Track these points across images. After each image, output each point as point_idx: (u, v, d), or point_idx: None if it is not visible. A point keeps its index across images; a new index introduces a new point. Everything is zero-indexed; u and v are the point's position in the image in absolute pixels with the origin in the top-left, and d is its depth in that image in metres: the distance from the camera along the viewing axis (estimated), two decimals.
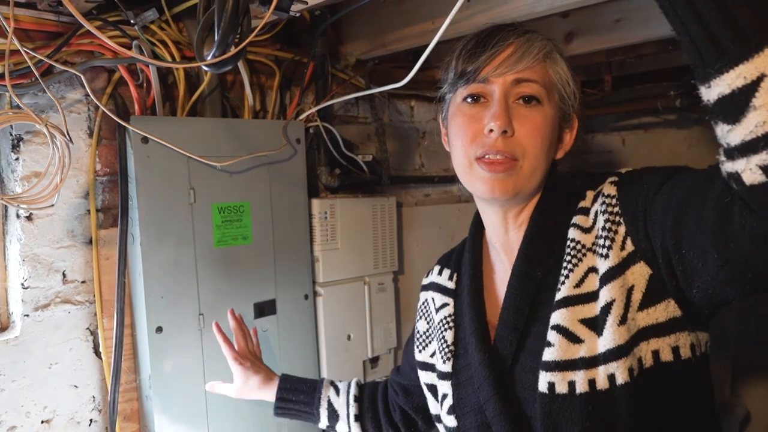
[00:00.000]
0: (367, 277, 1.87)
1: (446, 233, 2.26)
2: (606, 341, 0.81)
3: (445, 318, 1.09)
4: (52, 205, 1.23)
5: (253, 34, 0.74)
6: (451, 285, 1.13)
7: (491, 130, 0.88)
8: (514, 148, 0.89)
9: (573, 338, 0.84)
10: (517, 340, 0.92)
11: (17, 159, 1.31)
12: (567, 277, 0.87)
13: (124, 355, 1.41)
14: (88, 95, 1.36)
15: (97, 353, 1.41)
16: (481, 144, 0.90)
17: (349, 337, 1.82)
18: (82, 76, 1.22)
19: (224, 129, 1.52)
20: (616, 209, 0.84)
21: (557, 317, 0.86)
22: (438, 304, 1.13)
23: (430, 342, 1.16)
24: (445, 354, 1.05)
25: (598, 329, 0.82)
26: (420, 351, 1.18)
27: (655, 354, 0.82)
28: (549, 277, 0.92)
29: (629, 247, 0.81)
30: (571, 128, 1.00)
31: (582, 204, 0.92)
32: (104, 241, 1.42)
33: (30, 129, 1.31)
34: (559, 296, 0.87)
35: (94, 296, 1.40)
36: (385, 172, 1.97)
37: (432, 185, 2.23)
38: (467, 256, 1.09)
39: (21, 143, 1.31)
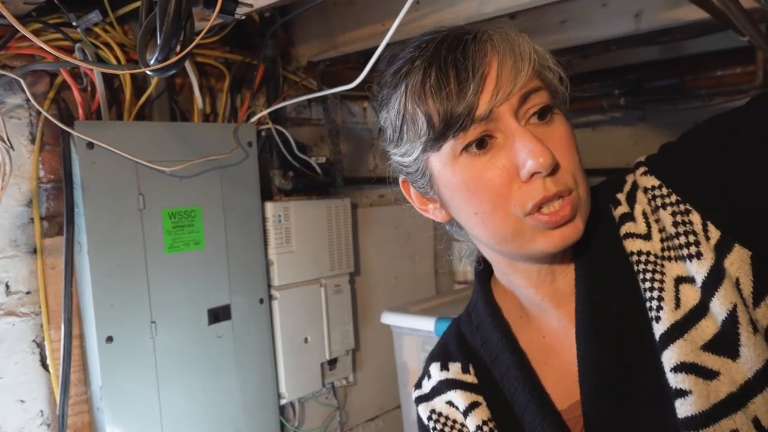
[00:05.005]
0: (323, 279, 1.87)
1: (401, 233, 2.27)
2: (749, 361, 0.62)
3: (485, 423, 0.78)
4: None
5: (198, 38, 0.73)
6: (470, 379, 0.82)
7: (534, 174, 0.65)
8: (566, 180, 0.67)
9: (707, 374, 0.63)
10: (622, 407, 0.68)
11: None
12: (660, 299, 0.67)
13: (73, 367, 1.37)
14: (29, 100, 1.32)
15: (45, 366, 1.37)
16: (526, 196, 0.66)
17: (306, 340, 1.81)
18: (21, 81, 1.18)
19: (173, 133, 1.50)
20: (674, 198, 0.68)
21: (677, 353, 0.64)
22: (464, 405, 0.81)
23: None
24: None
25: (730, 350, 0.63)
26: None
27: None
28: (627, 309, 0.70)
29: (714, 234, 0.65)
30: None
31: (621, 211, 0.73)
32: (49, 250, 1.38)
33: None
34: (663, 327, 0.66)
35: (39, 307, 1.36)
36: (339, 173, 1.97)
37: (387, 186, 2.22)
38: (488, 329, 0.82)
39: None
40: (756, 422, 0.60)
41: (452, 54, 0.67)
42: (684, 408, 0.63)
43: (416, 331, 1.73)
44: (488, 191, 0.68)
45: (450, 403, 0.83)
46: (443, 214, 0.78)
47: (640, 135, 2.37)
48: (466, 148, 0.67)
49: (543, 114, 0.68)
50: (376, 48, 1.22)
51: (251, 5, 1.11)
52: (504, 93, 0.65)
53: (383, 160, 2.24)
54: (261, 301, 1.69)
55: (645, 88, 2.08)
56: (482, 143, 0.67)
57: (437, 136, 0.67)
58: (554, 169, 0.66)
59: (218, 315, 1.58)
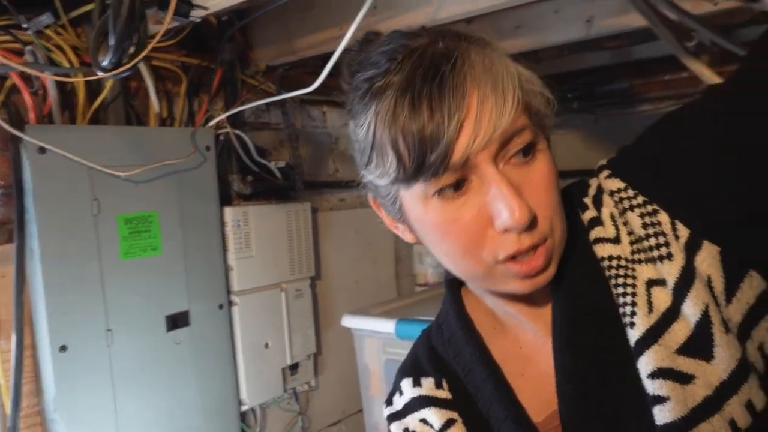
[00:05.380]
0: (284, 284, 1.86)
1: (363, 237, 2.28)
2: (723, 363, 0.61)
3: None
4: None
5: (153, 42, 0.73)
6: (444, 395, 0.79)
7: (507, 229, 0.61)
8: (542, 230, 0.63)
9: (683, 378, 0.61)
10: (601, 416, 0.66)
11: None
12: (633, 304, 0.65)
13: (25, 378, 1.34)
14: None
15: None
16: (499, 247, 0.63)
17: (266, 345, 1.80)
18: None
19: (128, 137, 1.47)
20: (640, 199, 0.66)
21: (653, 359, 0.62)
22: (439, 423, 0.78)
23: None
24: None
25: (704, 352, 0.61)
26: None
27: (761, 350, 0.63)
28: (603, 316, 0.68)
29: (683, 232, 0.63)
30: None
31: (589, 215, 0.71)
32: None
33: None
34: (638, 333, 0.64)
35: None
36: (299, 177, 1.96)
37: (347, 190, 2.24)
38: (460, 342, 0.79)
39: None
40: (733, 424, 0.59)
41: (428, 85, 0.59)
42: (662, 414, 0.61)
43: (377, 333, 1.74)
44: (460, 236, 0.64)
45: (424, 421, 0.79)
46: (413, 237, 0.73)
47: (593, 138, 2.43)
48: (439, 192, 0.62)
49: (526, 151, 0.63)
50: (333, 52, 1.23)
51: (206, 8, 1.10)
52: (482, 141, 0.59)
53: (343, 164, 2.25)
54: (220, 306, 1.67)
55: (597, 92, 2.14)
56: (458, 186, 0.62)
57: (407, 179, 0.62)
58: (531, 223, 0.62)
59: (177, 321, 1.56)
